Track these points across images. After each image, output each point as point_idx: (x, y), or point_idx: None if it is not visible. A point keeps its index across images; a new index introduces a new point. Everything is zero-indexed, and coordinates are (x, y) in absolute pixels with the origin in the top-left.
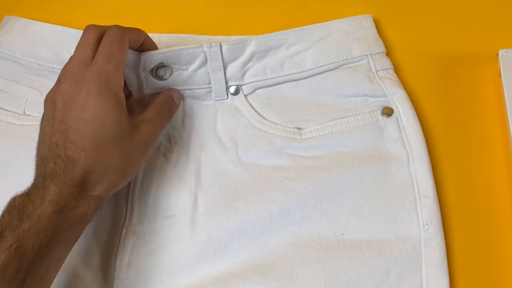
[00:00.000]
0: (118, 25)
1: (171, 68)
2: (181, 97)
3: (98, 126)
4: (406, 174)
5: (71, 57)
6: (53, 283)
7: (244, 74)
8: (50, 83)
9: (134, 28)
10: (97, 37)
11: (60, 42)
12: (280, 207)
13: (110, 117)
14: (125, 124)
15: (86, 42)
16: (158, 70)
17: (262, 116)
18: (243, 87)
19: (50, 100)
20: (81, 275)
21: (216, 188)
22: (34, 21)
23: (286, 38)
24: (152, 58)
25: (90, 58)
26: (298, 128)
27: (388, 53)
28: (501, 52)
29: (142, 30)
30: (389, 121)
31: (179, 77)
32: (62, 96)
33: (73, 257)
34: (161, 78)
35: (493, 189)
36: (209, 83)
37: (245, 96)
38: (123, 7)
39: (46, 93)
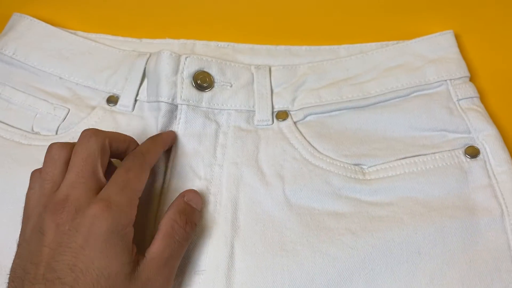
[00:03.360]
0: (137, 148)
1: (213, 79)
2: (200, 202)
3: (91, 281)
4: (500, 233)
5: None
6: None
7: (294, 99)
8: (68, 98)
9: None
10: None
11: (84, 58)
12: (340, 269)
13: (109, 268)
14: (125, 275)
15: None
16: (199, 79)
17: (314, 148)
18: (292, 113)
19: (37, 227)
20: None
21: (258, 236)
22: (56, 28)
23: (347, 66)
24: (195, 61)
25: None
26: (361, 166)
27: (473, 78)
28: None
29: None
30: (475, 164)
31: (220, 93)
32: (56, 228)
33: None
34: (201, 88)
35: None
36: (253, 106)
37: (295, 123)
38: (151, 12)
39: (60, 107)
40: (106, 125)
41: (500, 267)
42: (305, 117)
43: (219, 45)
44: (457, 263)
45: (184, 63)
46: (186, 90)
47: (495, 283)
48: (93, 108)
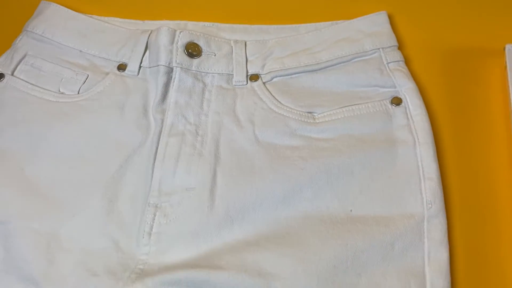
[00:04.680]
0: None
1: (201, 49)
2: None
3: None
4: (412, 158)
5: None
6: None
7: (264, 65)
8: (87, 66)
9: None
10: None
11: (99, 36)
12: (293, 184)
13: None
14: None
15: None
16: (190, 48)
17: (278, 101)
18: (262, 76)
19: None
20: (103, 246)
21: (234, 164)
22: (76, 12)
23: (305, 40)
24: (187, 34)
25: None
26: (312, 113)
27: (401, 47)
28: (508, 47)
29: None
30: (398, 110)
31: (206, 60)
32: None
33: (94, 225)
34: (191, 55)
35: (493, 174)
36: (232, 70)
37: (264, 83)
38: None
39: (81, 73)
40: (117, 86)
41: (410, 180)
42: (271, 78)
43: (205, 25)
44: (379, 179)
45: (179, 36)
46: (180, 56)
47: (405, 191)
48: (107, 73)
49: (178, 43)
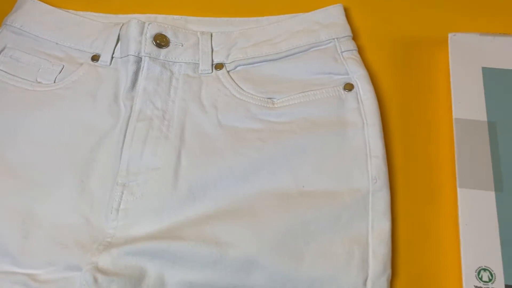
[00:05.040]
0: None
1: (169, 40)
2: None
3: None
4: (361, 138)
5: None
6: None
7: (228, 55)
8: (62, 57)
9: None
10: None
11: (74, 29)
12: (252, 163)
13: None
14: None
15: None
16: (158, 39)
17: (240, 88)
18: (226, 64)
19: None
20: (74, 222)
21: (197, 146)
22: (53, 7)
23: (267, 31)
24: (155, 26)
25: None
26: (272, 99)
27: (355, 37)
28: (450, 35)
29: None
30: (349, 95)
31: (174, 50)
32: None
33: (69, 205)
34: (159, 46)
35: (434, 152)
36: (198, 60)
37: (228, 71)
38: None
39: (57, 64)
40: (91, 76)
41: (358, 158)
42: (235, 67)
43: (174, 18)
44: (330, 157)
45: (147, 28)
46: (148, 47)
47: (354, 168)
48: (81, 64)
49: (147, 35)
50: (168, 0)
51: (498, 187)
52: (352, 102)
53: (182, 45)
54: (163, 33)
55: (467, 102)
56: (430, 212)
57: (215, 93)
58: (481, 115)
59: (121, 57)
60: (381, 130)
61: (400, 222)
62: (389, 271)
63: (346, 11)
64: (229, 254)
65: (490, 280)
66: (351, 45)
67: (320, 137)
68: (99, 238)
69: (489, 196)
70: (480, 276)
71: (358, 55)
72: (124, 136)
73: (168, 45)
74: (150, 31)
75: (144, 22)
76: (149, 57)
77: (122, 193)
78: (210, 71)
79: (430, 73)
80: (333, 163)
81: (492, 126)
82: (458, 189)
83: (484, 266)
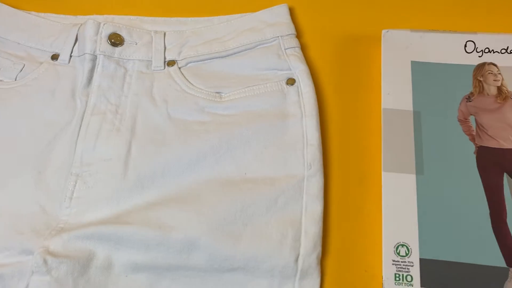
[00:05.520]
0: None
1: (123, 39)
2: None
3: None
4: (299, 128)
5: None
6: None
7: (180, 52)
8: (24, 57)
9: None
10: None
11: (35, 30)
12: (198, 153)
13: None
14: None
15: None
16: (113, 38)
17: (190, 83)
18: (178, 61)
19: None
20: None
21: (147, 138)
22: (16, 9)
23: (217, 30)
24: (110, 26)
25: None
26: (220, 93)
27: (300, 35)
28: (383, 32)
29: None
30: (291, 89)
31: (128, 48)
32: None
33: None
34: (114, 44)
35: (365, 140)
36: (151, 57)
37: (179, 68)
38: None
39: (18, 63)
40: (50, 74)
41: (296, 147)
42: (186, 64)
43: (131, 18)
44: (271, 146)
45: (102, 28)
46: (103, 45)
47: (291, 155)
48: (41, 63)
49: (102, 34)
50: (126, 1)
51: (419, 170)
52: (293, 95)
53: (136, 44)
54: (117, 32)
55: (395, 94)
56: (358, 194)
57: (166, 88)
58: (407, 105)
59: (79, 56)
60: (317, 120)
61: (332, 204)
62: (319, 249)
63: (291, 10)
64: (171, 237)
65: (406, 254)
66: (294, 42)
67: (262, 128)
68: (52, 224)
69: (411, 179)
70: (398, 251)
71: (301, 52)
72: (79, 130)
73: (123, 44)
74: (105, 31)
75: (100, 23)
76: (104, 55)
77: (76, 182)
78: (163, 67)
79: (365, 68)
80: (274, 152)
81: (417, 115)
82: (383, 173)
83: (402, 242)
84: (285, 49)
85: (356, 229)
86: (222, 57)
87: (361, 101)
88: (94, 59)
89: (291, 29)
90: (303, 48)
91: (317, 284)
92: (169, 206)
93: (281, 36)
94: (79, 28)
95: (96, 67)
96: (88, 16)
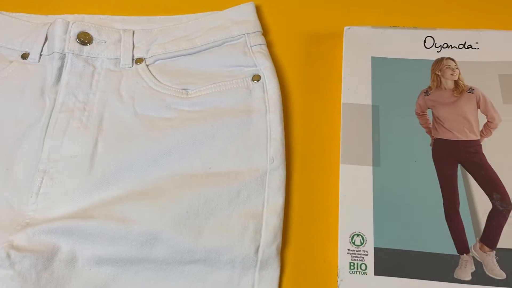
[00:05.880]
0: None
1: (92, 37)
2: None
3: None
4: (263, 123)
5: None
6: None
7: (148, 50)
8: None
9: None
10: None
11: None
12: (163, 148)
13: None
14: None
15: None
16: (82, 37)
17: (157, 80)
18: (146, 59)
19: None
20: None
21: (113, 134)
22: None
23: (185, 28)
24: (79, 25)
25: None
26: (187, 90)
27: (266, 33)
28: (345, 29)
29: None
30: (257, 85)
31: (97, 47)
32: None
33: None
34: (83, 43)
35: (326, 134)
36: (120, 55)
37: (147, 65)
38: None
39: None
40: (20, 72)
41: (259, 141)
42: (154, 61)
43: (101, 17)
44: (236, 141)
45: (71, 27)
46: (72, 44)
47: (255, 150)
48: (11, 62)
49: (71, 33)
50: (97, 1)
51: (376, 163)
52: (259, 91)
53: (105, 42)
54: (86, 31)
55: (355, 88)
56: (319, 187)
57: (133, 85)
58: (367, 100)
59: (48, 54)
60: (281, 116)
61: (294, 196)
62: (279, 240)
63: (258, 9)
64: (134, 230)
65: (361, 243)
66: (260, 39)
67: (227, 123)
68: (19, 220)
69: (367, 171)
70: (353, 240)
71: (266, 49)
72: (47, 127)
73: (92, 42)
74: (74, 30)
75: (69, 22)
76: (72, 53)
77: (43, 178)
78: (131, 65)
79: (327, 64)
80: (238, 146)
81: (375, 109)
82: (341, 165)
83: (358, 231)
84: (251, 46)
85: (316, 220)
86: (189, 54)
87: (323, 96)
88: (63, 57)
89: (257, 27)
90: (269, 45)
91: (276, 274)
92: (133, 201)
93: (247, 33)
94: (48, 27)
95: (64, 65)
96: (58, 16)
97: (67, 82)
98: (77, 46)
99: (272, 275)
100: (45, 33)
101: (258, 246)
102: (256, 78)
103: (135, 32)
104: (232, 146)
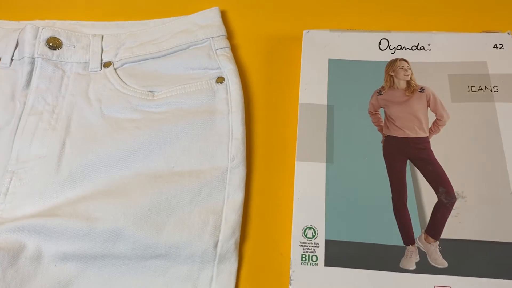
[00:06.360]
0: None
1: (62, 42)
2: None
3: None
4: (225, 123)
5: None
6: None
7: (116, 54)
8: None
9: None
10: None
11: None
12: (128, 148)
13: None
14: None
15: None
16: (51, 42)
17: (124, 82)
18: (114, 62)
19: None
20: None
21: (81, 136)
22: None
23: (152, 32)
24: (49, 30)
25: None
26: (153, 92)
27: (231, 37)
28: (304, 32)
29: None
30: (220, 87)
31: (66, 51)
32: None
33: None
34: (52, 48)
35: (285, 133)
36: (89, 59)
37: (115, 69)
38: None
39: None
40: None
41: (221, 141)
42: (122, 65)
43: (71, 23)
44: (199, 141)
45: (41, 32)
46: (41, 49)
47: (217, 149)
48: None
49: (40, 38)
50: (68, 7)
51: (330, 159)
52: (222, 93)
53: (74, 47)
54: (56, 36)
55: (312, 89)
56: (276, 183)
57: (101, 88)
58: (322, 100)
59: (19, 59)
60: (243, 116)
61: (253, 193)
62: (237, 234)
63: (224, 13)
64: (97, 227)
65: (313, 236)
66: (224, 43)
67: (191, 124)
68: None
69: (321, 167)
70: (305, 233)
71: (230, 52)
72: (16, 129)
73: (61, 47)
74: (44, 35)
75: (39, 27)
76: (42, 58)
77: (11, 179)
78: (99, 69)
79: (288, 66)
80: (201, 146)
81: (330, 108)
82: (296, 162)
83: (310, 225)
84: (215, 49)
85: (274, 215)
86: (156, 57)
87: (283, 97)
88: (32, 62)
89: (221, 31)
90: (233, 48)
91: (234, 268)
92: (97, 199)
93: (212, 37)
94: (19, 32)
95: (34, 69)
96: (30, 22)
97: (36, 86)
98: (46, 51)
99: (230, 268)
100: (16, 39)
101: (217, 241)
102: (220, 80)
103: (104, 36)
104: (195, 146)
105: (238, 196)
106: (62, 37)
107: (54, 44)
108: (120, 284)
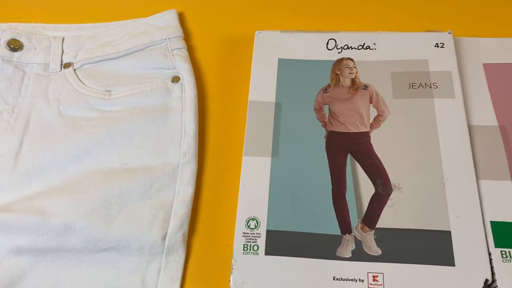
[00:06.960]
0: None
1: (23, 44)
2: None
3: None
4: (179, 121)
5: None
6: None
7: (76, 55)
8: None
9: None
10: None
11: None
12: (83, 146)
13: None
14: None
15: None
16: (12, 44)
17: (82, 83)
18: (74, 63)
19: None
20: None
21: (38, 134)
22: None
23: (111, 34)
24: (9, 33)
25: None
26: (110, 91)
27: (188, 38)
28: (256, 33)
29: None
30: (176, 86)
31: (27, 53)
32: None
33: None
34: (13, 50)
35: (235, 130)
36: (49, 61)
37: (74, 70)
38: None
39: None
40: None
41: (174, 137)
42: (81, 66)
43: (33, 25)
44: (152, 138)
45: (2, 34)
46: (2, 51)
47: (170, 146)
48: None
49: (1, 40)
50: (31, 11)
51: (275, 154)
52: (177, 91)
53: (35, 49)
54: (16, 38)
55: (261, 87)
56: (225, 177)
57: (60, 88)
58: (271, 97)
59: None
60: (196, 113)
61: (204, 187)
62: (186, 227)
63: (181, 15)
64: (50, 222)
65: (256, 227)
66: (181, 43)
67: (145, 121)
68: None
69: (266, 161)
70: (248, 224)
71: (186, 52)
72: None
73: (22, 49)
74: (4, 37)
75: (0, 30)
76: (3, 59)
77: None
78: (59, 70)
79: (240, 65)
80: (154, 143)
81: (278, 106)
82: (243, 157)
83: (253, 216)
84: (171, 50)
85: (222, 208)
86: (114, 58)
87: (235, 95)
88: None
89: (178, 32)
90: (190, 49)
91: (182, 259)
92: (51, 195)
93: (168, 38)
94: None
95: None
96: None
97: None
98: (7, 52)
99: (178, 260)
100: None
101: (166, 234)
102: (176, 79)
103: (65, 38)
104: (148, 143)
105: (188, 191)
106: (23, 39)
107: (14, 46)
108: (72, 276)
